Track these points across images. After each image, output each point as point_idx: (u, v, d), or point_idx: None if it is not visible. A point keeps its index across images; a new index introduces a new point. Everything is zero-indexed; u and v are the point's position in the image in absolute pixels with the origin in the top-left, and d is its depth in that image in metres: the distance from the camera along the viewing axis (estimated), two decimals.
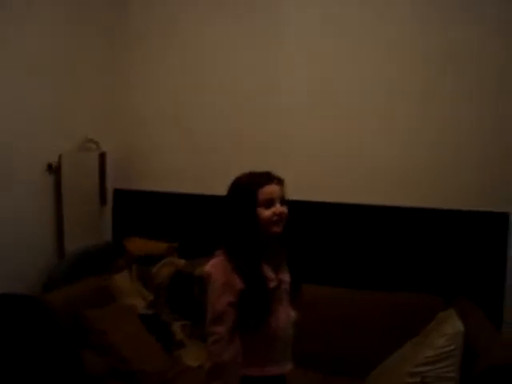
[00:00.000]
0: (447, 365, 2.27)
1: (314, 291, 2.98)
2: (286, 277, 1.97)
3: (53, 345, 2.54)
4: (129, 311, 2.93)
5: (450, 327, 2.35)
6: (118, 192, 3.65)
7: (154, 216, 3.57)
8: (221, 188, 3.30)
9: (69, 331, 2.64)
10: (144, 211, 3.60)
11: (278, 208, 1.85)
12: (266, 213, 1.84)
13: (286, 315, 1.95)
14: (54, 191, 3.18)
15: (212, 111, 3.47)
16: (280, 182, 1.91)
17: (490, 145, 3.04)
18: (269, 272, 1.89)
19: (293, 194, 2.02)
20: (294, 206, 1.96)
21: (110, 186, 3.60)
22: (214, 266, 1.88)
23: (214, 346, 1.80)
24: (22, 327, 2.50)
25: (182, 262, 3.24)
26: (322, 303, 2.97)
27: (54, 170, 3.14)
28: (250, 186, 1.87)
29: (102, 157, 3.47)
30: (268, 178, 1.89)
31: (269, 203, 1.84)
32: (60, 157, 3.15)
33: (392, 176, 3.17)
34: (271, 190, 1.86)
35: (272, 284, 1.88)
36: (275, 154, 3.32)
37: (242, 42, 3.38)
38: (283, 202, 1.89)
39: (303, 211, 3.20)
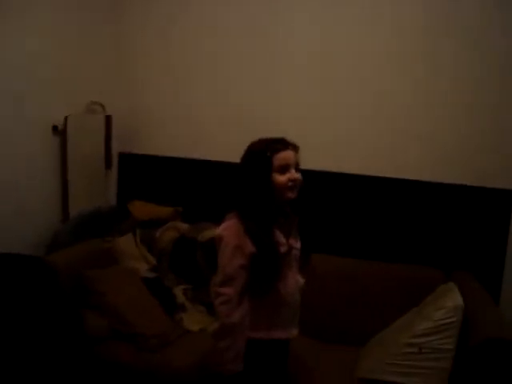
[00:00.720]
0: (445, 337, 2.28)
1: (318, 260, 3.04)
2: (296, 243, 2.00)
3: (54, 304, 2.58)
4: (131, 274, 2.96)
5: (450, 300, 2.36)
6: (122, 156, 3.65)
7: (159, 180, 3.58)
8: (224, 154, 3.39)
9: (71, 291, 2.68)
10: (149, 175, 3.60)
11: (293, 174, 1.87)
12: (281, 178, 1.85)
13: (294, 281, 1.99)
14: (59, 153, 3.18)
15: (217, 78, 3.44)
16: (295, 148, 1.91)
17: (494, 121, 3.02)
18: (280, 237, 1.92)
19: None
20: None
21: (115, 149, 3.60)
22: (227, 229, 1.89)
23: (222, 307, 1.85)
24: (25, 286, 2.54)
25: (185, 226, 3.26)
26: (324, 273, 3.00)
27: (60, 132, 3.13)
28: (265, 151, 1.87)
29: (108, 120, 3.45)
30: (283, 144, 1.89)
31: (284, 169, 1.85)
32: (66, 119, 3.13)
33: (398, 150, 3.17)
34: (286, 155, 1.87)
35: (283, 249, 1.91)
36: (274, 116, 3.32)
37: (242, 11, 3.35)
38: (297, 168, 1.90)
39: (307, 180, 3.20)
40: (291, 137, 1.97)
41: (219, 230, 1.92)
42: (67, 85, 3.19)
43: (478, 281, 2.87)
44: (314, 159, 3.16)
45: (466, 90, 3.04)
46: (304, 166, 1.98)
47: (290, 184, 1.86)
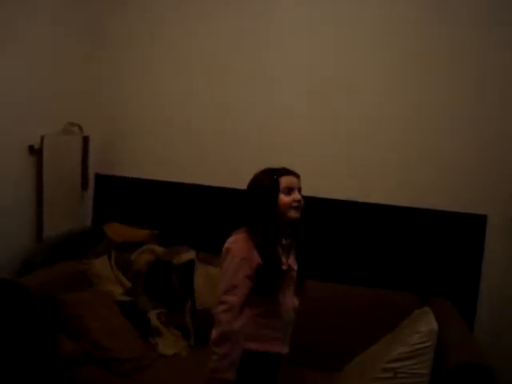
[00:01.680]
0: (420, 361, 2.30)
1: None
2: (294, 265, 2.14)
3: (27, 327, 2.53)
4: (106, 297, 2.91)
5: (425, 325, 2.38)
6: (99, 177, 3.62)
7: (135, 203, 3.55)
8: (202, 177, 3.39)
9: (44, 315, 2.62)
10: (125, 197, 3.58)
11: (297, 195, 2.06)
12: (286, 199, 2.05)
13: (291, 300, 2.11)
14: (35, 174, 3.13)
15: (195, 100, 3.45)
16: (297, 175, 2.12)
17: (468, 146, 3.09)
18: (281, 255, 2.06)
19: None
20: None
21: (92, 170, 3.57)
22: (235, 242, 2.03)
23: (224, 315, 1.93)
24: None
25: (160, 249, 3.23)
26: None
27: (36, 152, 3.10)
28: (272, 175, 2.07)
29: (85, 141, 3.44)
30: (287, 170, 2.11)
31: (289, 190, 2.05)
32: (42, 139, 3.11)
33: (373, 175, 3.21)
34: (291, 179, 2.08)
35: (284, 267, 2.05)
36: (256, 145, 3.34)
37: (229, 30, 3.38)
38: (299, 192, 2.10)
39: None
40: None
41: (227, 243, 2.05)
42: (44, 104, 3.16)
43: (453, 306, 2.90)
44: None
45: (443, 115, 3.11)
46: None
47: (294, 204, 2.05)
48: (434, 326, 2.36)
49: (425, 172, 3.15)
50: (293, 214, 2.05)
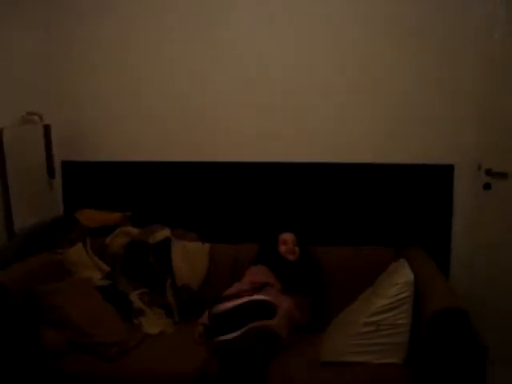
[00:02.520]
0: (399, 312, 2.36)
1: None
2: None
3: (7, 323, 2.51)
4: (85, 284, 2.89)
5: (401, 276, 2.44)
6: (65, 164, 3.56)
7: (105, 186, 3.52)
8: (167, 154, 3.36)
9: (24, 308, 2.60)
10: (94, 182, 3.53)
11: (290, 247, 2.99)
12: (283, 247, 2.99)
13: None
14: None
15: (159, 81, 3.40)
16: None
17: (434, 98, 3.12)
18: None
19: None
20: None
21: (58, 158, 3.51)
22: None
23: None
24: None
25: (135, 230, 3.21)
26: None
27: None
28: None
29: (47, 129, 3.37)
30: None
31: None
32: (1, 131, 3.04)
33: (340, 135, 3.23)
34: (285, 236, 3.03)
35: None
36: (220, 120, 3.34)
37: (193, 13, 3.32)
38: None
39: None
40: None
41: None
42: (0, 96, 3.08)
43: (428, 255, 2.97)
44: (250, 151, 3.29)
45: (407, 74, 3.14)
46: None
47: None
48: (410, 276, 2.42)
49: (390, 127, 3.18)
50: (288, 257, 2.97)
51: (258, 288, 2.82)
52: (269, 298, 2.71)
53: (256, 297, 2.74)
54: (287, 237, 3.03)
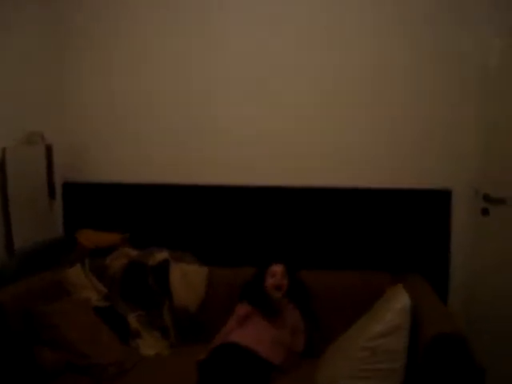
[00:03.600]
0: (395, 338, 2.34)
1: None
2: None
3: (4, 343, 2.50)
4: (83, 305, 2.90)
5: (398, 302, 2.43)
6: (66, 185, 3.58)
7: (105, 208, 3.53)
8: (169, 177, 3.38)
9: (21, 328, 2.60)
10: (94, 203, 3.55)
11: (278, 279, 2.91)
12: (270, 281, 2.92)
13: None
14: None
15: (157, 103, 3.44)
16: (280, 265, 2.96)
17: (432, 123, 3.15)
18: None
19: None
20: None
21: (59, 179, 3.54)
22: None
23: None
24: None
25: (134, 252, 3.23)
26: None
27: None
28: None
29: (48, 149, 3.40)
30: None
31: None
32: (4, 151, 3.07)
33: (336, 158, 3.26)
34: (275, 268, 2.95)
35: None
36: (221, 141, 3.37)
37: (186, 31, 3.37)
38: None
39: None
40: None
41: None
42: (3, 116, 3.11)
43: (425, 281, 2.97)
44: (249, 174, 3.32)
45: (402, 96, 3.17)
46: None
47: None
48: (407, 302, 2.40)
49: (388, 152, 3.20)
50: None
51: (244, 320, 2.83)
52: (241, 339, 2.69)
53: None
54: (276, 268, 2.94)
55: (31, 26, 3.34)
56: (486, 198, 3.06)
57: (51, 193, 3.45)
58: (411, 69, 3.14)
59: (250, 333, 2.73)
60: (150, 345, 2.87)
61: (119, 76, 3.48)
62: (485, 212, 3.08)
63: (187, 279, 3.09)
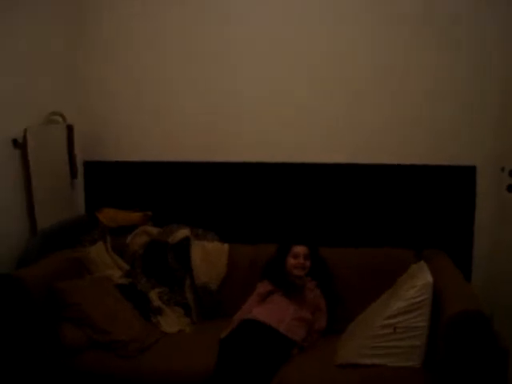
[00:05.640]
0: (417, 315, 2.32)
1: None
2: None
3: (27, 320, 2.55)
4: (105, 282, 2.93)
5: (420, 279, 2.41)
6: (88, 164, 3.61)
7: (127, 186, 3.55)
8: (190, 154, 3.38)
9: (44, 305, 2.64)
10: (116, 182, 3.57)
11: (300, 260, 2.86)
12: (292, 261, 2.87)
13: None
14: (21, 167, 3.11)
15: (176, 79, 3.42)
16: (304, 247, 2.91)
17: (456, 99, 3.08)
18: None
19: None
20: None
21: (80, 158, 3.56)
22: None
23: None
24: None
25: (155, 230, 3.24)
26: None
27: (20, 145, 3.08)
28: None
29: (69, 129, 3.41)
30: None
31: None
32: (25, 131, 3.09)
33: (360, 134, 3.21)
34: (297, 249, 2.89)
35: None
36: (244, 118, 3.34)
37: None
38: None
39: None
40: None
41: None
42: (24, 96, 3.13)
43: (448, 258, 2.93)
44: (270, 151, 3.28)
45: (426, 74, 3.10)
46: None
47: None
48: (429, 279, 2.38)
49: (412, 128, 3.15)
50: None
51: (265, 298, 2.84)
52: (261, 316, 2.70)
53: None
54: (299, 250, 2.89)
55: (49, 6, 3.34)
56: None
57: (72, 172, 3.48)
58: (435, 48, 3.07)
59: (271, 310, 2.73)
60: (171, 322, 2.88)
61: (139, 54, 3.46)
62: (510, 189, 3.00)
63: (208, 257, 3.09)
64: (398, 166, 3.14)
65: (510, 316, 2.85)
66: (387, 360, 2.35)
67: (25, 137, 3.08)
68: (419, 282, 2.39)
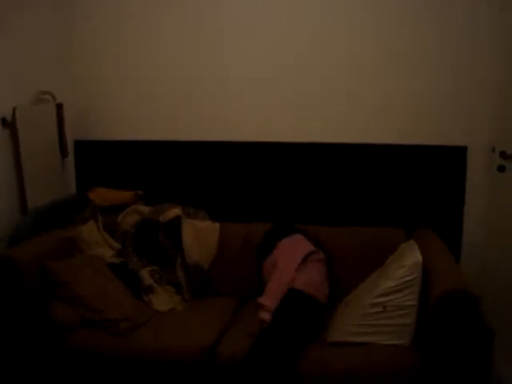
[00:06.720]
0: (407, 294, 2.35)
1: None
2: None
3: (18, 299, 2.55)
4: (96, 261, 2.93)
5: (409, 258, 2.42)
6: (78, 143, 3.58)
7: (117, 165, 3.53)
8: (181, 134, 3.36)
9: (35, 284, 2.64)
10: (106, 161, 3.55)
11: None
12: None
13: None
14: (11, 146, 3.08)
15: (164, 60, 3.40)
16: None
17: (448, 80, 3.07)
18: None
19: None
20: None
21: (71, 137, 3.53)
22: None
23: None
24: None
25: (146, 209, 3.24)
26: None
27: (10, 124, 3.05)
28: None
29: (59, 108, 3.38)
30: None
31: None
32: (14, 110, 3.05)
33: (350, 115, 3.21)
34: None
35: None
36: (233, 99, 3.33)
37: None
38: None
39: (264, 152, 3.29)
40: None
41: None
42: (13, 75, 3.09)
43: (438, 237, 2.94)
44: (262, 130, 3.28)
45: (419, 50, 3.08)
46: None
47: None
48: (419, 258, 2.40)
49: (404, 109, 3.14)
50: None
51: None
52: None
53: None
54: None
55: None
56: (503, 154, 3.00)
57: (63, 151, 3.45)
58: (430, 30, 3.05)
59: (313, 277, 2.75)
60: (163, 300, 2.90)
61: (129, 33, 3.41)
62: (501, 169, 3.02)
63: (199, 235, 3.10)
64: (390, 145, 3.14)
65: (497, 297, 2.89)
66: (377, 338, 2.38)
67: (14, 115, 3.05)
68: (408, 261, 2.41)
